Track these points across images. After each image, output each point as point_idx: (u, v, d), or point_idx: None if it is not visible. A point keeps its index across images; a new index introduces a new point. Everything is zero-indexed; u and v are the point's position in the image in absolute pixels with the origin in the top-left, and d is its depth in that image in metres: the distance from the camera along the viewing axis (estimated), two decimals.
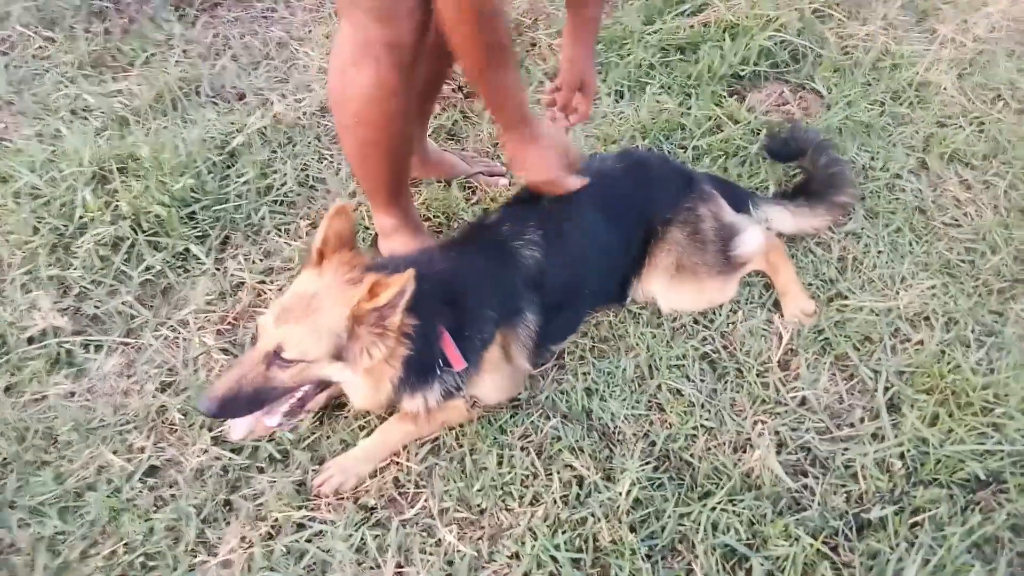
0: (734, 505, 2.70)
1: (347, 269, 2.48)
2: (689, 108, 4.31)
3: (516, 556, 2.65)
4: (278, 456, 2.91)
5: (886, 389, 3.04)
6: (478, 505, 2.78)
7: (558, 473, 2.82)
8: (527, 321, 2.98)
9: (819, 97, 4.45)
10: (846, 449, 2.88)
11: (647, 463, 2.83)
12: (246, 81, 4.50)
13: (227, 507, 2.80)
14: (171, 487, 2.84)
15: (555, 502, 2.75)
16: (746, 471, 2.80)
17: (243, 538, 2.69)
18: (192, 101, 4.35)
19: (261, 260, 3.62)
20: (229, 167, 3.94)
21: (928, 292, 3.39)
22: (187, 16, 4.98)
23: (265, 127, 4.17)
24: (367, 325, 2.34)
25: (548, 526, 2.68)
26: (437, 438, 2.98)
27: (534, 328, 3.01)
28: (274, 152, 4.08)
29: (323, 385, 2.61)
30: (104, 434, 2.97)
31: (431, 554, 2.65)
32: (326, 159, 4.10)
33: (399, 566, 2.64)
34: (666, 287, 3.30)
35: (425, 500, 2.80)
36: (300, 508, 2.76)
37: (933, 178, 3.98)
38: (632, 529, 2.65)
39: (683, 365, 3.17)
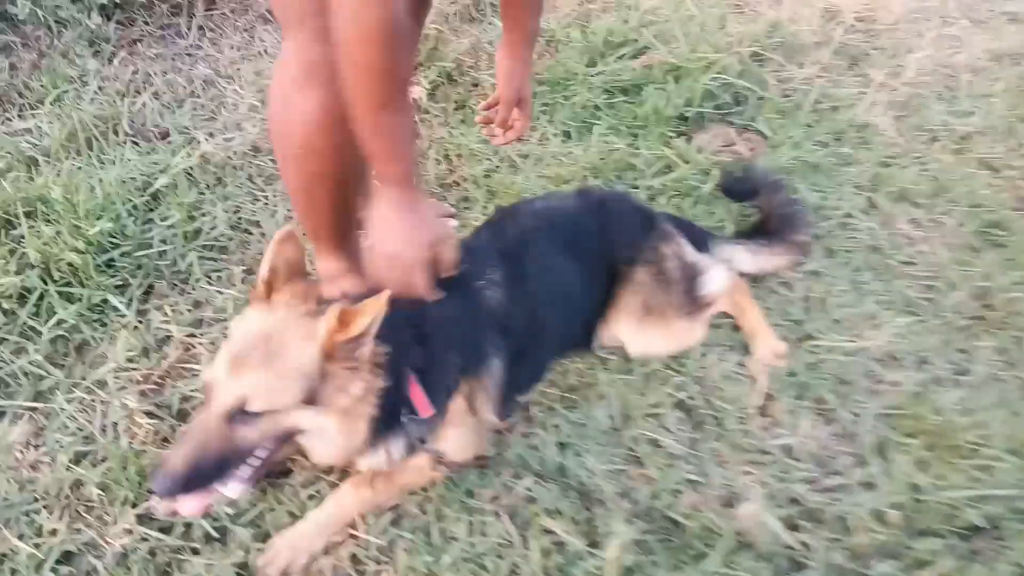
0: (731, 568, 2.49)
1: (301, 301, 2.19)
2: (638, 148, 4.22)
3: None
4: (215, 534, 2.55)
5: (869, 433, 2.91)
6: None
7: (536, 539, 2.56)
8: (493, 369, 2.74)
9: (763, 138, 4.43)
10: (837, 499, 2.72)
11: (631, 523, 2.59)
12: (170, 120, 4.18)
13: None
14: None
15: (535, 573, 2.48)
16: (739, 529, 2.60)
17: None
18: (109, 140, 4.00)
19: (190, 311, 3.27)
20: (152, 210, 3.60)
21: (895, 331, 3.32)
22: (103, 52, 4.63)
23: (192, 167, 3.85)
24: (339, 360, 2.06)
25: None
26: (398, 506, 2.68)
27: (500, 376, 2.76)
28: (202, 194, 3.76)
29: (290, 436, 2.22)
30: (8, 515, 2.56)
31: None
32: (260, 200, 3.80)
33: None
34: (634, 330, 3.12)
35: None
36: None
37: (883, 216, 3.97)
38: None
39: (659, 414, 2.98)
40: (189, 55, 4.77)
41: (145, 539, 2.53)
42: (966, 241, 3.85)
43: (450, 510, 2.64)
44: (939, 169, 4.26)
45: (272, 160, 4.02)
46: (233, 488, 2.15)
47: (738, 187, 3.75)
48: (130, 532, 2.53)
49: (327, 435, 2.23)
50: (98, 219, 3.35)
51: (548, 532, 2.61)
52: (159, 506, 2.29)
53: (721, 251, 3.46)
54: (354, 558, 2.54)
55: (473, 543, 2.55)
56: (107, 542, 2.52)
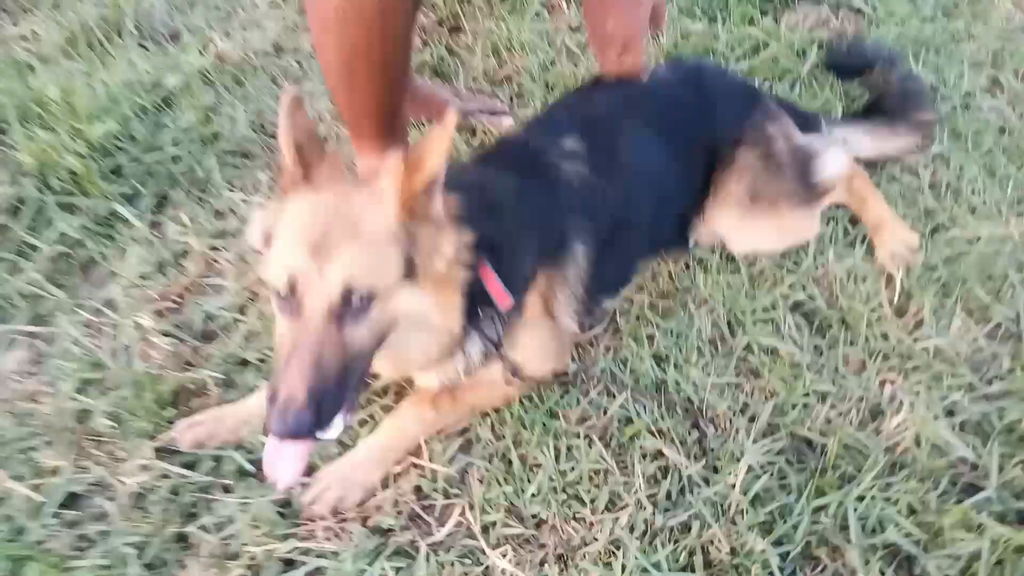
0: (885, 492, 1.99)
1: (345, 173, 1.73)
2: (718, 30, 3.64)
3: None
4: (249, 468, 2.11)
5: None
6: (535, 516, 2.02)
7: (638, 465, 2.07)
8: (576, 257, 2.24)
9: (861, 15, 3.82)
10: (1003, 408, 2.20)
11: (755, 444, 2.10)
12: (180, 20, 3.70)
13: (181, 543, 1.99)
14: (99, 521, 2.02)
15: (641, 504, 2.00)
16: (888, 446, 2.09)
17: None
18: (114, 43, 3.52)
19: (210, 222, 2.81)
20: (162, 111, 3.12)
21: None
22: None
23: (207, 68, 3.36)
24: (420, 217, 1.70)
25: (638, 537, 1.93)
26: (467, 430, 2.21)
27: (584, 267, 2.27)
28: (220, 96, 3.27)
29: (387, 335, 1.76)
30: (2, 453, 2.13)
31: None
32: None
33: None
34: (739, 222, 2.60)
35: (461, 514, 2.03)
36: (286, 538, 1.96)
37: (1011, 95, 3.37)
38: (760, 532, 1.92)
39: (773, 319, 2.46)
40: None
41: (166, 476, 2.10)
42: None
43: (530, 434, 2.17)
44: None
45: (297, 61, 3.54)
46: (336, 425, 1.67)
47: (847, 62, 3.18)
48: (147, 468, 2.10)
49: (427, 318, 1.79)
50: (101, 121, 2.88)
51: (652, 456, 2.13)
52: (278, 479, 1.77)
53: (835, 133, 2.90)
54: (418, 491, 2.09)
55: (562, 471, 2.08)
56: (120, 481, 2.08)
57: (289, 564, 1.93)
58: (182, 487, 2.08)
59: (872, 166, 2.95)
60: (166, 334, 2.44)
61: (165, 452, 2.14)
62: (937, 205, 2.83)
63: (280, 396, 1.56)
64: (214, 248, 2.72)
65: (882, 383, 2.27)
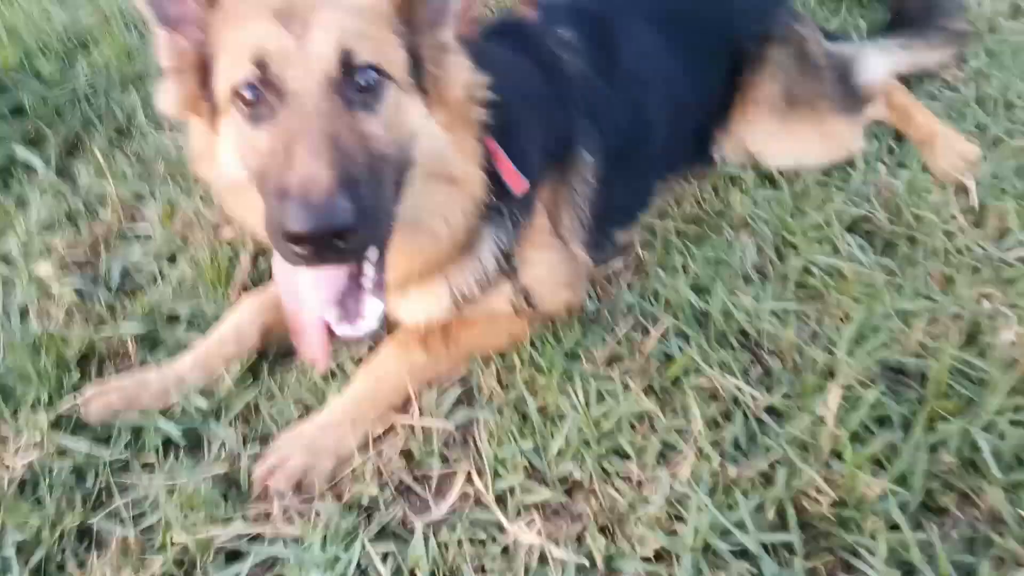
0: (1016, 415, 1.54)
1: None
2: None
3: (662, 555, 1.39)
4: (180, 440, 1.58)
5: None
6: (564, 479, 1.52)
7: (694, 407, 1.59)
8: (582, 168, 1.84)
9: None
10: None
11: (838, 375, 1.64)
12: None
13: (83, 541, 1.44)
14: None
15: (703, 453, 1.51)
16: (1007, 364, 1.64)
17: None
18: None
19: (132, 167, 2.30)
20: (76, 50, 2.62)
21: None
22: None
23: (129, 12, 2.88)
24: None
25: (707, 494, 1.44)
26: (466, 380, 1.71)
27: (592, 181, 1.84)
28: (145, 39, 2.78)
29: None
30: None
31: (497, 571, 1.36)
32: None
33: None
34: (775, 129, 2.21)
35: (467, 480, 1.51)
36: (229, 521, 1.43)
37: None
38: (872, 467, 1.44)
39: (829, 238, 2.02)
40: None
41: (65, 453, 1.56)
42: None
43: (548, 378, 1.67)
44: None
45: None
46: (372, 307, 1.30)
47: None
48: (39, 446, 1.56)
49: (447, 158, 1.41)
50: None
51: (709, 396, 1.65)
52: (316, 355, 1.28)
53: (866, 48, 2.52)
54: (408, 457, 1.57)
55: (595, 420, 1.58)
56: (5, 464, 1.54)
57: (233, 557, 1.40)
58: (88, 467, 1.54)
59: (908, 84, 2.56)
60: (79, 292, 1.91)
61: (66, 424, 1.61)
62: (989, 119, 2.45)
63: (293, 183, 1.11)
64: (138, 195, 2.21)
65: (978, 298, 1.83)
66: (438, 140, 1.37)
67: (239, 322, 1.76)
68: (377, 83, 1.26)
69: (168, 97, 1.40)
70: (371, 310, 1.31)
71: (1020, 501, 1.41)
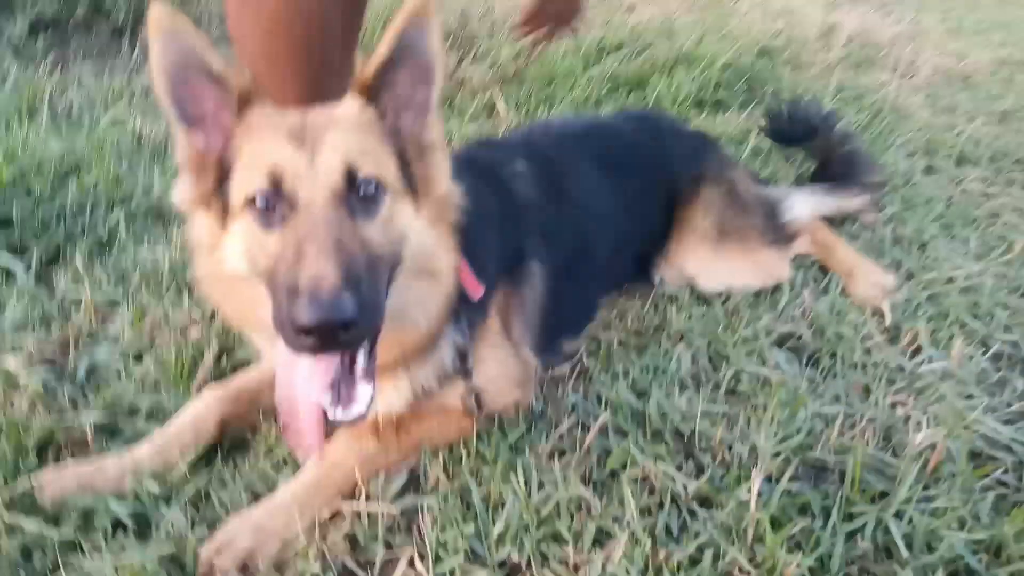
0: (924, 504, 1.64)
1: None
2: None
3: None
4: (127, 522, 1.62)
5: None
6: (503, 563, 1.58)
7: (629, 494, 1.68)
8: (532, 278, 2.02)
9: None
10: None
11: (768, 459, 1.75)
12: (100, 108, 3.48)
13: None
14: None
15: (636, 538, 1.59)
16: (918, 463, 1.76)
17: None
18: (22, 123, 3.25)
19: (109, 279, 2.43)
20: (68, 174, 2.82)
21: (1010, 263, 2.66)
22: (26, 59, 3.99)
23: (123, 145, 3.12)
24: (386, 106, 1.57)
25: (639, 574, 1.50)
26: (414, 470, 1.79)
27: (541, 289, 2.01)
28: (134, 168, 3.00)
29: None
30: None
31: None
32: None
33: None
34: (709, 257, 2.42)
35: (409, 564, 1.56)
36: None
37: (949, 176, 3.41)
38: (793, 551, 1.52)
39: (758, 351, 2.19)
40: (132, 70, 4.14)
41: (17, 530, 1.58)
42: None
43: (492, 468, 1.76)
44: (992, 137, 3.77)
45: None
46: (363, 393, 1.43)
47: (788, 129, 3.17)
48: None
49: (432, 252, 1.59)
50: None
51: (643, 486, 1.74)
52: (303, 444, 1.43)
53: (792, 194, 2.81)
54: (353, 543, 1.62)
55: (536, 507, 1.66)
56: None
57: None
58: (35, 546, 1.57)
59: (832, 223, 2.83)
60: (45, 387, 1.98)
61: (18, 503, 1.64)
62: (905, 256, 2.71)
63: (303, 281, 1.26)
64: (112, 302, 2.33)
65: (893, 405, 1.98)
66: (425, 236, 1.55)
67: (197, 414, 1.84)
68: (376, 192, 1.45)
69: (183, 191, 1.57)
70: (362, 396, 1.44)
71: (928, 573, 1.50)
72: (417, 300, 1.61)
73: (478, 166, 2.10)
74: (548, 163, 2.23)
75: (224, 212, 1.51)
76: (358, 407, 1.43)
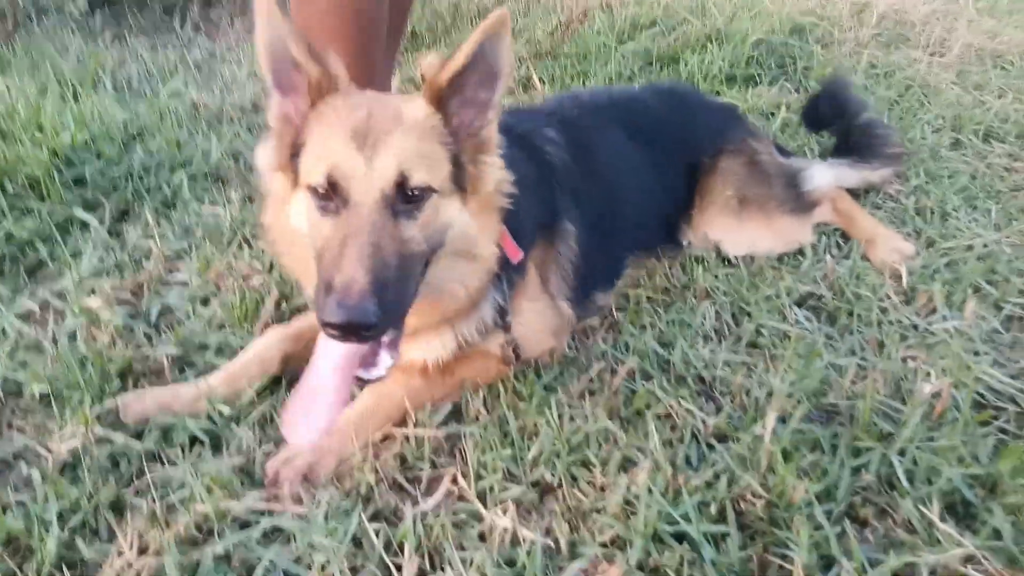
0: (927, 443, 1.78)
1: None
2: None
3: (615, 542, 1.60)
4: (201, 437, 1.81)
5: None
6: (536, 483, 1.75)
7: (652, 428, 1.84)
8: (567, 236, 2.17)
9: None
10: None
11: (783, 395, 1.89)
12: (158, 80, 3.68)
13: (116, 511, 1.65)
14: (21, 489, 1.68)
15: (658, 465, 1.75)
16: (925, 410, 1.89)
17: (142, 545, 1.54)
18: (87, 93, 3.46)
19: (175, 234, 2.63)
20: (134, 139, 3.02)
21: None
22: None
23: (182, 112, 3.32)
24: (453, 116, 1.68)
25: (660, 494, 1.66)
26: (456, 404, 1.96)
27: (574, 247, 2.17)
28: (193, 135, 3.20)
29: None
30: None
31: (474, 548, 1.57)
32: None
33: (423, 572, 1.54)
34: (731, 224, 2.56)
35: (452, 481, 1.74)
36: (244, 500, 1.65)
37: (975, 151, 3.47)
38: (798, 476, 1.68)
39: (779, 308, 2.32)
40: (184, 45, 4.34)
41: (105, 441, 1.79)
42: None
43: (528, 404, 1.93)
44: (1020, 114, 3.82)
45: None
46: (383, 360, 1.63)
47: (825, 112, 3.24)
48: (82, 436, 1.79)
49: (473, 240, 1.72)
50: (67, 131, 2.77)
51: (666, 421, 1.90)
52: (295, 432, 1.62)
53: (814, 165, 2.92)
54: (402, 461, 1.80)
55: (567, 437, 1.83)
56: (49, 449, 1.77)
57: (246, 525, 1.61)
58: (122, 456, 1.77)
59: (855, 196, 2.94)
60: (125, 328, 2.18)
61: (107, 420, 1.85)
62: (926, 226, 2.81)
63: (336, 282, 1.42)
64: (179, 253, 2.53)
65: (904, 359, 2.11)
66: (469, 228, 1.69)
67: (263, 349, 2.03)
68: (422, 194, 1.57)
69: (266, 154, 1.74)
70: (383, 362, 1.62)
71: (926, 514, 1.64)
72: (457, 277, 1.78)
73: (513, 133, 2.25)
74: (578, 130, 2.36)
75: (295, 178, 1.67)
76: (377, 371, 1.62)
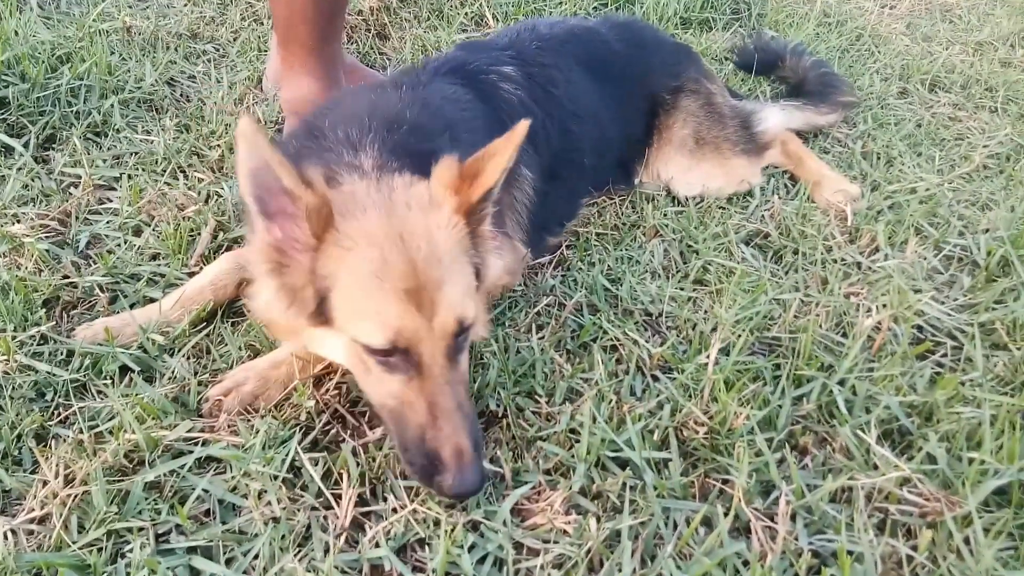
0: (868, 372, 1.81)
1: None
2: None
3: (558, 469, 1.60)
4: (133, 367, 1.74)
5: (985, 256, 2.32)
6: (482, 411, 1.73)
7: (598, 360, 1.83)
8: (523, 181, 2.10)
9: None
10: (975, 314, 2.09)
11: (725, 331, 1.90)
12: (88, 3, 3.47)
13: (41, 441, 1.58)
14: None
15: (602, 395, 1.74)
16: (864, 343, 1.92)
17: (68, 475, 1.48)
18: (12, 15, 3.25)
19: (105, 162, 2.50)
20: (61, 63, 2.85)
21: (970, 178, 2.80)
22: None
23: (112, 33, 3.14)
24: (477, 226, 1.61)
25: (605, 420, 1.66)
26: None
27: (531, 192, 2.12)
28: (126, 60, 3.04)
29: None
30: None
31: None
32: (202, 64, 3.09)
33: (363, 502, 1.52)
34: (685, 165, 2.53)
35: None
36: (176, 427, 1.59)
37: (921, 100, 3.51)
38: (740, 405, 1.69)
39: (726, 246, 2.33)
40: None
41: (29, 370, 1.70)
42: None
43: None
44: (966, 66, 3.87)
45: (216, 47, 3.35)
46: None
47: (754, 59, 3.25)
48: (4, 363, 1.70)
49: (480, 324, 1.68)
50: None
51: (612, 354, 1.89)
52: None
53: (766, 107, 2.91)
54: (348, 393, 1.76)
55: (513, 369, 1.80)
56: None
57: (180, 455, 1.55)
58: (48, 385, 1.69)
59: (804, 139, 2.95)
60: (50, 253, 2.08)
61: (32, 351, 1.76)
62: (872, 170, 2.83)
63: (445, 455, 1.41)
64: (108, 181, 2.41)
65: (847, 295, 2.13)
66: (481, 317, 1.64)
67: (218, 273, 1.95)
68: (470, 326, 1.52)
69: (267, 295, 1.53)
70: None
71: (864, 440, 1.66)
72: None
73: (467, 71, 2.18)
74: (537, 67, 2.29)
75: (324, 320, 1.51)
76: None
